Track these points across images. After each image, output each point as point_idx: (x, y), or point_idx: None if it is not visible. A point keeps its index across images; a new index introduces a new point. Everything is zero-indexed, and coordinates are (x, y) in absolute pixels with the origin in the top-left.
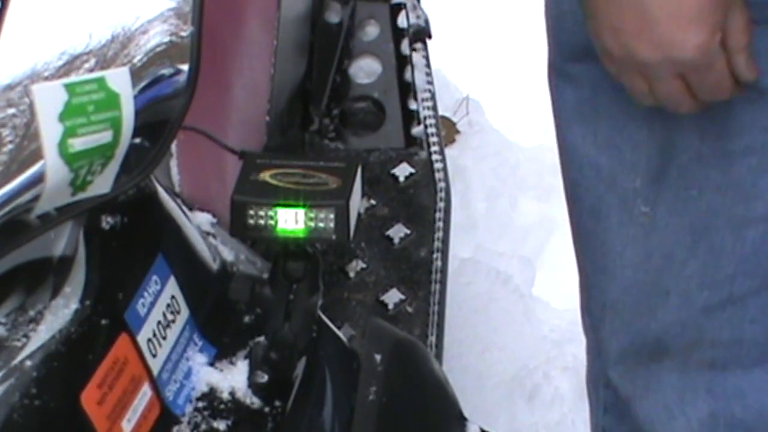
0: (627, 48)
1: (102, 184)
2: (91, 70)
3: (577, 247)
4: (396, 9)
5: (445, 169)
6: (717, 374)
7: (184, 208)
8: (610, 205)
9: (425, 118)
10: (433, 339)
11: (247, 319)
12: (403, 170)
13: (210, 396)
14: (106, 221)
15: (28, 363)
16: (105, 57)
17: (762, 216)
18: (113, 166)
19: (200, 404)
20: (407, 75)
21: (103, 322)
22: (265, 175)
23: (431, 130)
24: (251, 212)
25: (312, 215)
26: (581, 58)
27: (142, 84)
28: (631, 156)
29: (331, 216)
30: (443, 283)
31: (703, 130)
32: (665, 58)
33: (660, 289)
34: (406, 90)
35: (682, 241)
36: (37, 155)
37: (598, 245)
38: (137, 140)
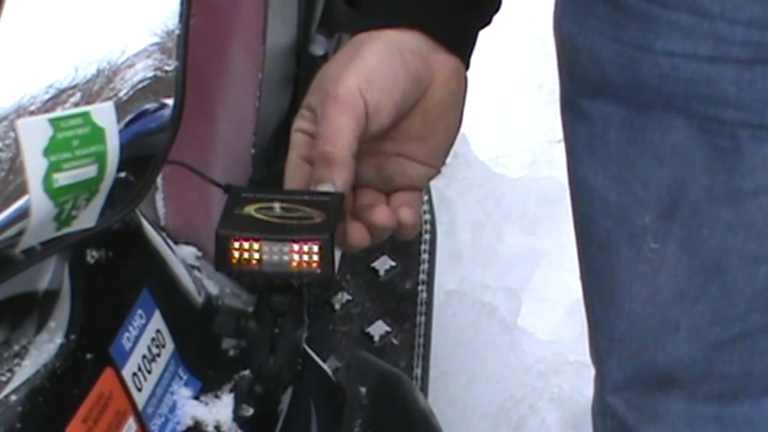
0: None
1: (87, 218)
2: (77, 105)
3: (584, 281)
4: None
5: (430, 201)
6: (726, 404)
7: (170, 241)
8: (619, 241)
9: None
10: (418, 371)
11: (232, 352)
12: None
13: (195, 430)
14: (91, 255)
15: (13, 398)
16: (91, 91)
17: None
18: (98, 201)
19: None
20: None
21: (88, 356)
22: (250, 209)
23: None
24: (236, 246)
25: (297, 249)
26: (594, 95)
27: (128, 118)
28: (642, 193)
29: (316, 250)
30: (429, 314)
31: (714, 170)
32: None
33: (669, 325)
34: None
35: (693, 279)
36: (22, 190)
37: (607, 279)
38: (122, 174)
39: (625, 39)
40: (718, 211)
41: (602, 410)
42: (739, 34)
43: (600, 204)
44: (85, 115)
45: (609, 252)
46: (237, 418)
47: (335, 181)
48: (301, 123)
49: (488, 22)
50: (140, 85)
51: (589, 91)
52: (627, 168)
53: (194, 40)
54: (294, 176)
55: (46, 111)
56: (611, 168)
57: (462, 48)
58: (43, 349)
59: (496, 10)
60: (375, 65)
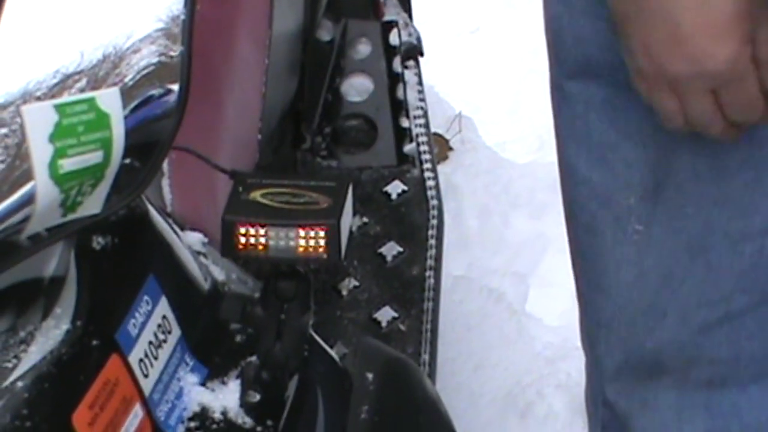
0: (658, 63)
1: (92, 204)
2: (82, 90)
3: (573, 264)
4: (388, 27)
5: (437, 187)
6: (715, 392)
7: (176, 227)
8: (604, 223)
9: (417, 135)
10: (426, 357)
11: (238, 338)
12: (395, 188)
13: (202, 416)
14: (97, 242)
15: (19, 384)
16: (96, 77)
17: (760, 230)
18: (104, 187)
19: (192, 424)
20: (399, 93)
21: (95, 342)
22: (256, 195)
23: (423, 147)
24: (242, 232)
25: (303, 235)
26: (577, 76)
27: (133, 104)
28: (625, 174)
29: (322, 235)
30: (436, 300)
31: (698, 147)
32: (696, 72)
33: (657, 309)
34: (398, 108)
35: (679, 260)
36: (27, 176)
37: (594, 263)
38: (128, 160)
39: (606, 16)
40: (703, 188)
41: (594, 398)
42: None
43: (584, 187)
44: (91, 101)
45: (595, 235)
46: (243, 404)
47: None
48: None
49: None
50: (145, 71)
51: (573, 73)
52: (610, 150)
53: (200, 25)
54: None
55: (52, 96)
56: (593, 149)
57: None
58: (49, 335)
59: None
60: None
